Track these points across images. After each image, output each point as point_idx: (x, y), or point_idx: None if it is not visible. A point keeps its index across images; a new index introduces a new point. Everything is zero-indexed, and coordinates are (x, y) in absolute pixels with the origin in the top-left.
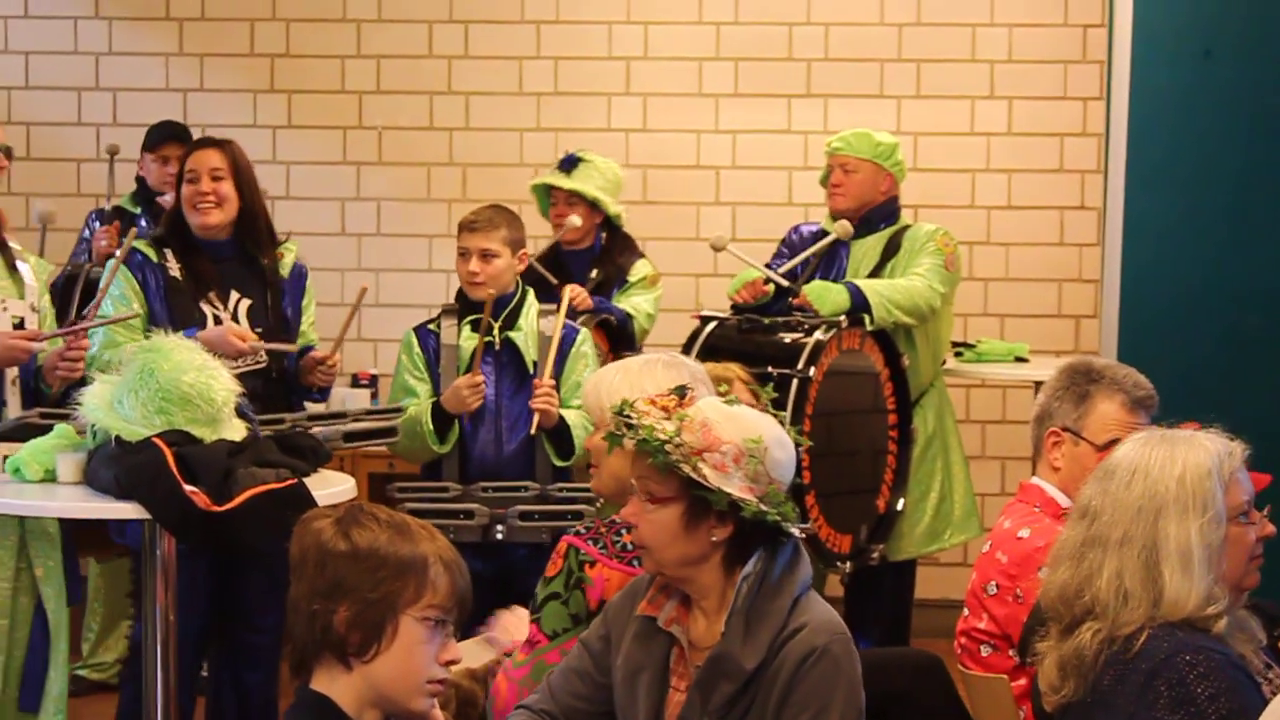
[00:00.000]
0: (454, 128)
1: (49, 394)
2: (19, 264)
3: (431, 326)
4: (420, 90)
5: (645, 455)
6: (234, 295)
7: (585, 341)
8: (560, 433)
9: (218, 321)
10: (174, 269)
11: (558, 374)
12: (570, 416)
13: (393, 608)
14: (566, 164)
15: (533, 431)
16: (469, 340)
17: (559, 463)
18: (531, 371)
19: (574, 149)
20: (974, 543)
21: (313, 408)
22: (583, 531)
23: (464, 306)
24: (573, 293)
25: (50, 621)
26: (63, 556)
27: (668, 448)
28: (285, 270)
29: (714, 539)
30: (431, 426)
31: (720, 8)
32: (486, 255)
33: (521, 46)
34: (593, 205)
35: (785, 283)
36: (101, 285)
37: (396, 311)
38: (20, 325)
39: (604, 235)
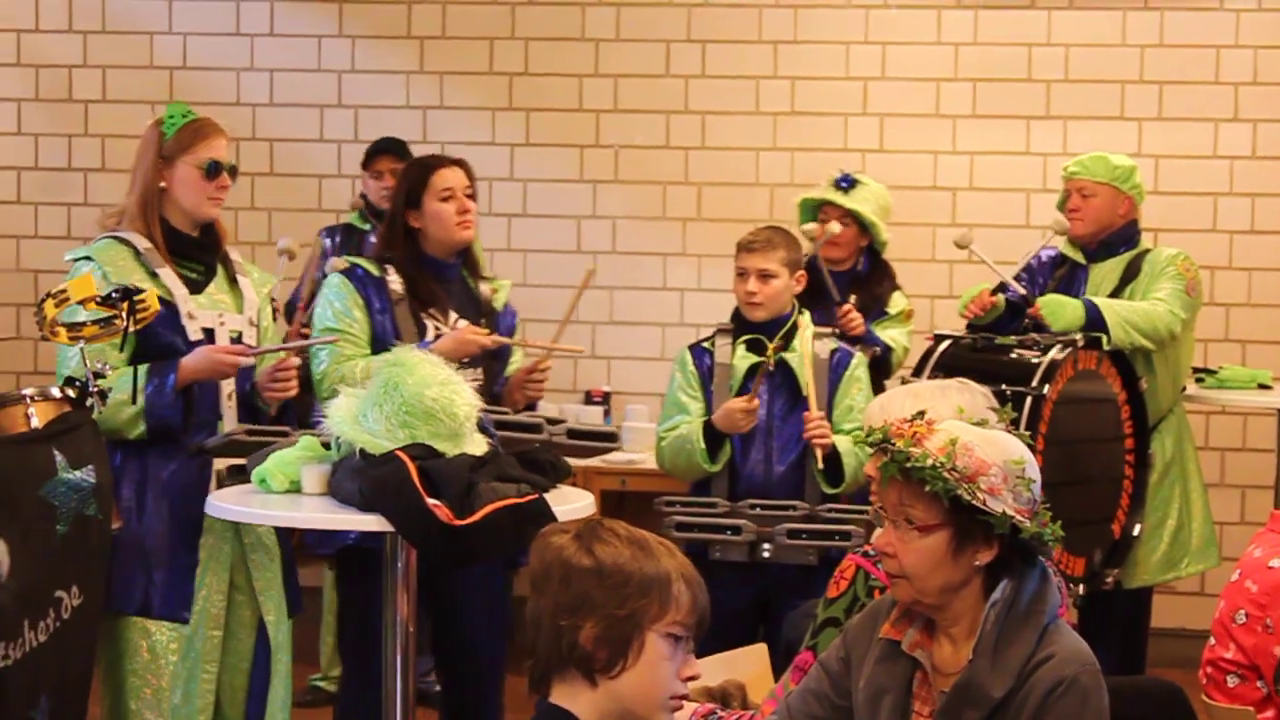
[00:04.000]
0: (690, 147)
1: (265, 411)
2: (239, 278)
3: (706, 345)
4: (657, 109)
5: (917, 483)
6: (453, 315)
7: (859, 365)
8: (831, 460)
9: (439, 335)
10: (395, 284)
11: (829, 398)
12: (841, 444)
13: (639, 624)
14: (845, 183)
15: (819, 466)
16: (743, 360)
17: (828, 490)
18: (805, 393)
19: (847, 169)
20: (1212, 572)
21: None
22: (871, 554)
23: (738, 326)
24: (849, 316)
25: (270, 633)
26: (282, 568)
27: (944, 474)
28: (499, 304)
29: (976, 564)
30: (703, 445)
31: (959, 28)
32: (764, 276)
33: (759, 66)
34: (862, 228)
35: (1020, 289)
36: (311, 306)
37: (630, 329)
38: (238, 340)
39: (864, 261)
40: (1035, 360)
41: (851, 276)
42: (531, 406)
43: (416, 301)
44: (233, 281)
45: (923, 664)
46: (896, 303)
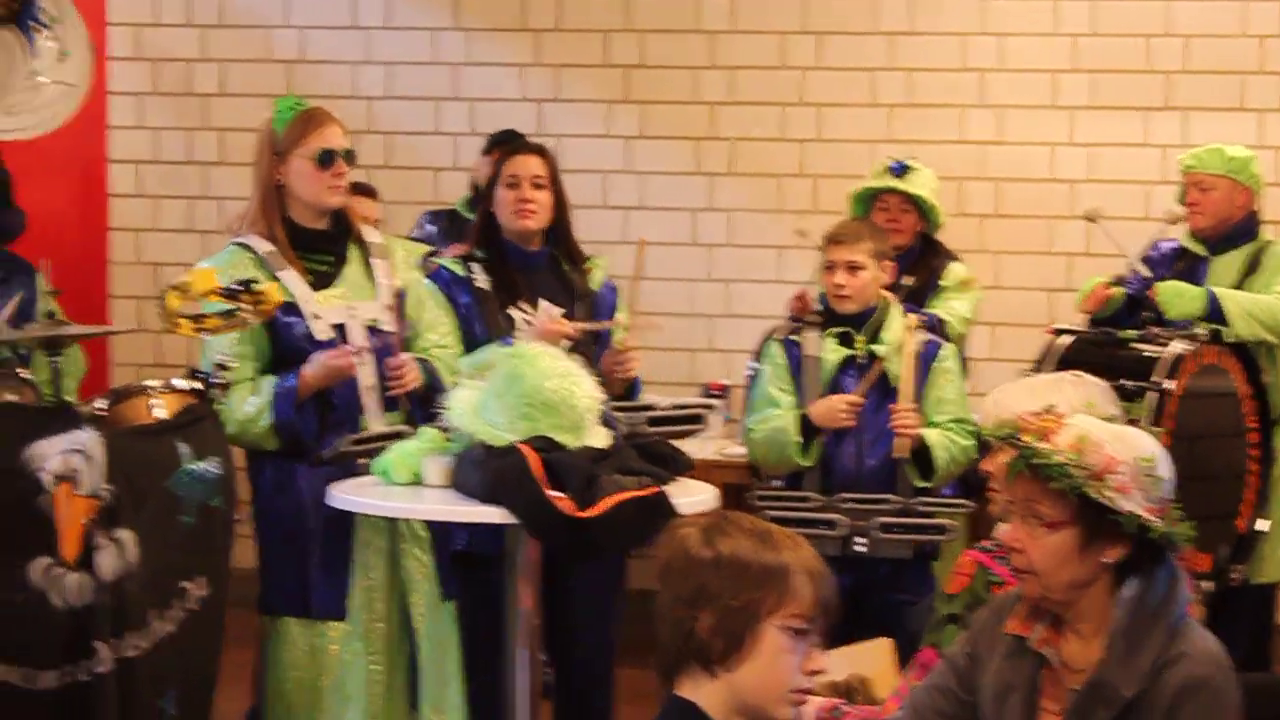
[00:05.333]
0: (806, 139)
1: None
2: (375, 261)
3: (794, 337)
4: (773, 101)
5: (1044, 479)
6: (543, 304)
7: (949, 356)
8: (922, 452)
9: (527, 324)
10: (480, 281)
11: (919, 389)
12: (931, 436)
13: (755, 616)
14: (899, 169)
15: (894, 455)
16: (833, 353)
17: (920, 483)
18: (895, 385)
19: (902, 158)
20: None
21: None
22: (991, 548)
23: (828, 319)
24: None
25: (417, 624)
26: (434, 556)
27: (1072, 471)
28: (595, 284)
29: (1104, 561)
30: (798, 439)
31: (1076, 18)
32: (852, 268)
33: (875, 58)
34: (918, 212)
35: (1145, 270)
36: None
37: (746, 322)
38: (374, 327)
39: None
40: (1158, 354)
41: (908, 259)
42: (633, 388)
43: (503, 294)
44: (368, 266)
45: (1050, 660)
46: (953, 273)
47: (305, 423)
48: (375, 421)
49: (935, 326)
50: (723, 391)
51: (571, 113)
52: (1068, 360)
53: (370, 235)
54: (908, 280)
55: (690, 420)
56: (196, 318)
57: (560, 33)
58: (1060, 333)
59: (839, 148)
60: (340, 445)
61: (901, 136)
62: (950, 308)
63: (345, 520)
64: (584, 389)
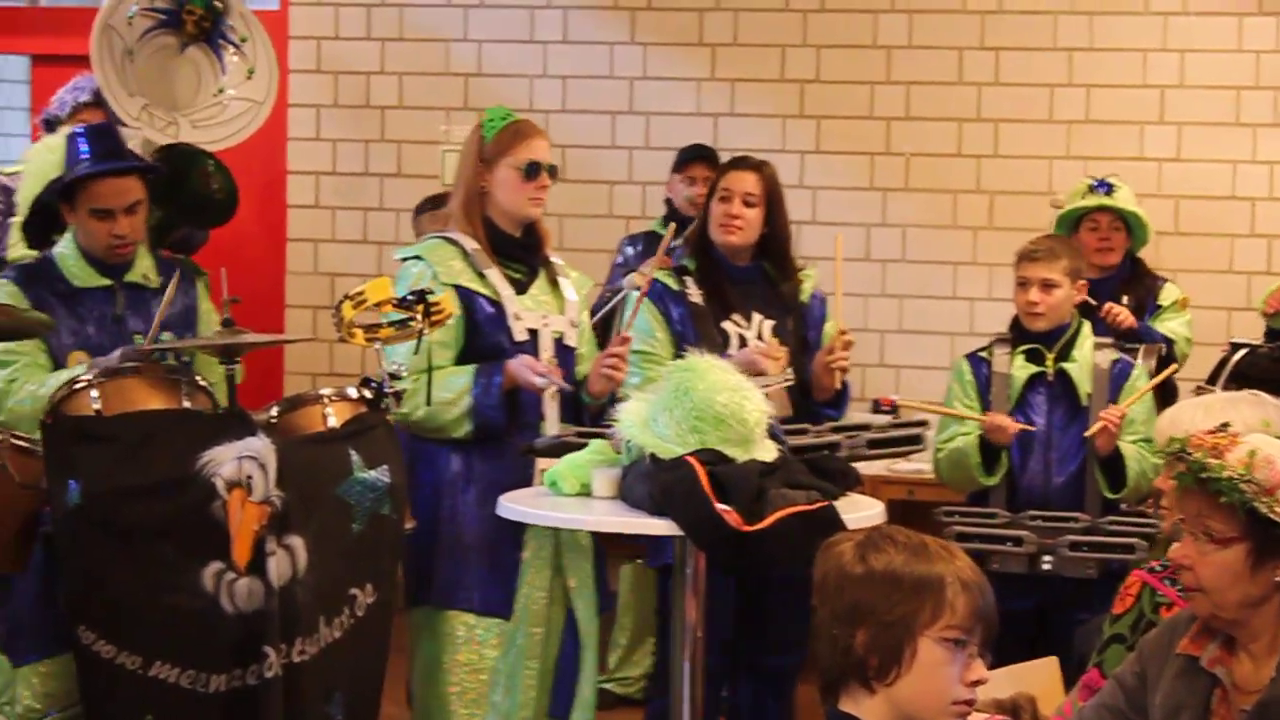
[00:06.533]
0: (982, 155)
1: (589, 404)
2: (560, 279)
3: (983, 354)
4: (949, 117)
5: (1213, 494)
6: (756, 316)
7: (1140, 376)
8: (1113, 463)
9: (742, 341)
10: (694, 295)
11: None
12: (1125, 448)
13: (910, 630)
14: (1107, 187)
15: (1102, 453)
16: (1022, 370)
17: (1109, 495)
18: (1084, 404)
19: (1102, 175)
20: None
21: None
22: (1158, 569)
23: (1018, 335)
24: (1115, 311)
25: (581, 630)
26: (594, 568)
27: (1241, 486)
28: (805, 296)
29: (1277, 580)
30: (979, 458)
31: (1260, 35)
32: (1047, 285)
33: (1053, 74)
34: (1126, 230)
35: None
36: (629, 313)
37: (919, 338)
38: (560, 340)
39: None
40: None
41: (1118, 277)
42: (842, 396)
43: (717, 307)
44: (554, 283)
45: (1222, 680)
46: (1169, 293)
47: (500, 415)
48: (552, 429)
49: (1168, 349)
50: (891, 407)
51: (746, 127)
52: (1242, 375)
53: (554, 256)
54: (1125, 300)
55: (909, 441)
56: (370, 327)
57: (737, 47)
58: (1236, 347)
59: (1016, 164)
60: (563, 435)
61: (1079, 153)
62: (1172, 328)
63: (518, 522)
64: (754, 403)
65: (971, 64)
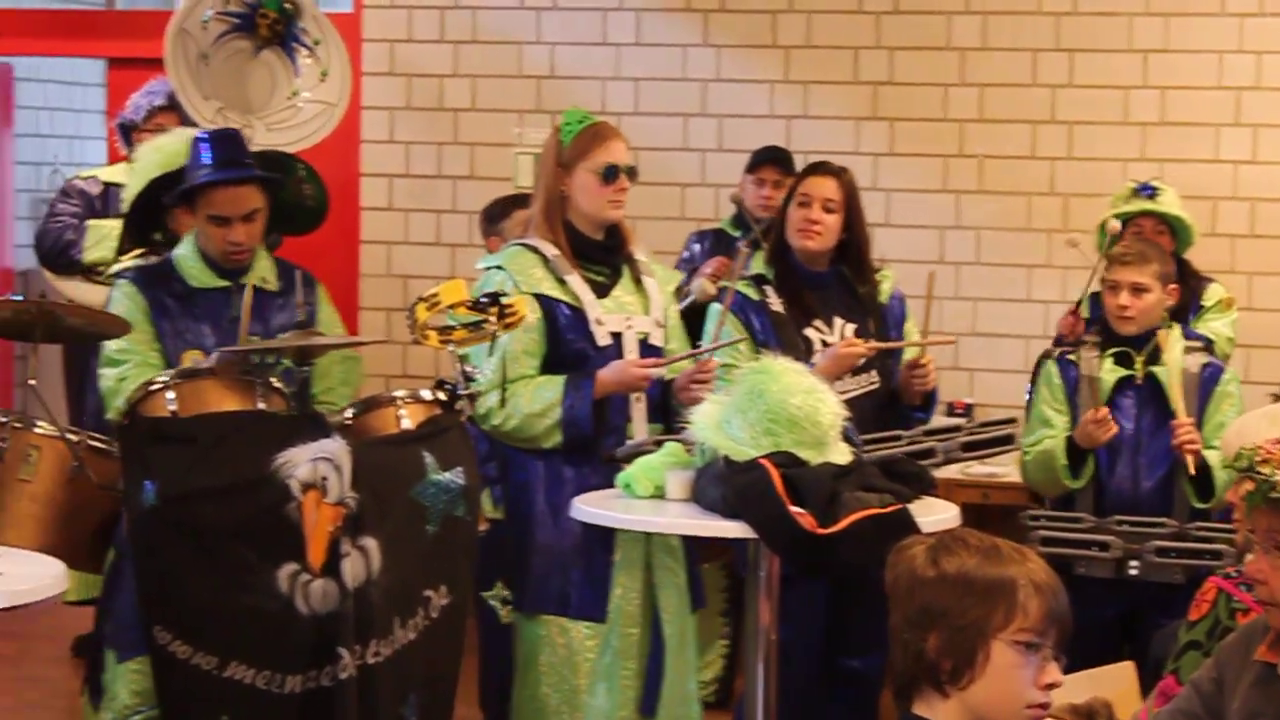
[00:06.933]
0: (1056, 157)
1: (679, 410)
2: (644, 279)
3: (1071, 357)
4: (1023, 119)
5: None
6: (838, 321)
7: (1231, 381)
8: (1202, 473)
9: (824, 345)
10: (774, 304)
11: (1199, 413)
12: (1213, 457)
13: (982, 633)
14: (1150, 191)
15: (1191, 471)
16: (1110, 373)
17: (1198, 504)
18: (1174, 407)
19: (1146, 179)
20: None
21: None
22: (1234, 575)
23: (1106, 338)
24: None
25: (666, 632)
26: (684, 568)
27: None
28: (884, 297)
29: None
30: (1065, 461)
31: None
32: (1137, 289)
33: (1127, 76)
34: (1170, 233)
35: None
36: (713, 326)
37: (993, 341)
38: (645, 341)
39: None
40: None
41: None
42: (930, 400)
43: (798, 314)
44: (638, 282)
45: None
46: (1213, 293)
47: (590, 423)
48: (640, 432)
49: (1206, 347)
50: (966, 410)
51: (819, 129)
52: None
53: (639, 254)
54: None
55: (1002, 441)
56: (444, 329)
57: (810, 49)
58: None
59: (1090, 166)
60: (642, 442)
61: (1154, 155)
62: (1214, 328)
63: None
64: (828, 405)
65: (1046, 66)
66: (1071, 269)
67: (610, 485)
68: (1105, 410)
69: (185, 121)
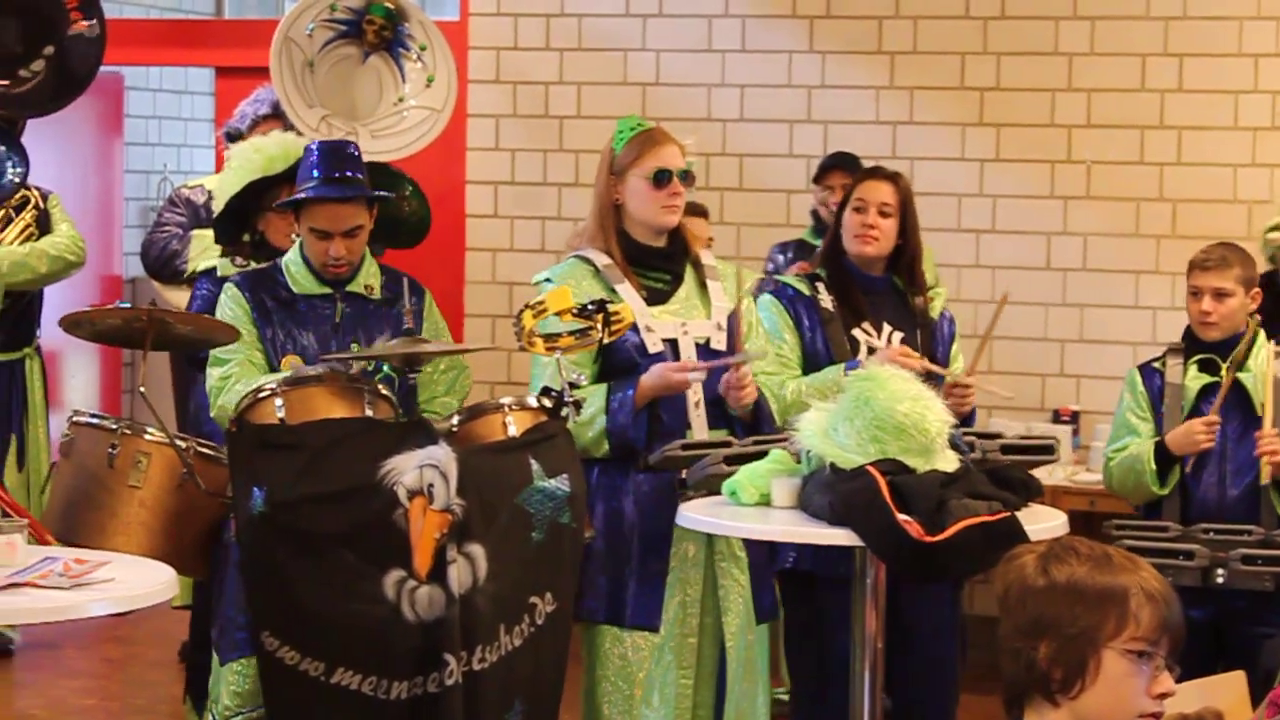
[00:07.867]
0: (1165, 163)
1: (734, 414)
2: (710, 283)
3: (1156, 365)
4: (1131, 124)
5: None
6: (886, 327)
7: None
8: None
9: (871, 350)
10: (826, 301)
11: None
12: None
13: (1093, 642)
14: None
15: (1264, 481)
16: (1195, 380)
17: None
18: (1259, 414)
19: None
20: None
21: None
22: None
23: (1190, 345)
24: None
25: (729, 641)
26: (751, 576)
27: None
28: (935, 314)
29: None
30: (1154, 467)
31: None
32: (1219, 294)
33: (1238, 80)
34: None
35: None
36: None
37: (1100, 348)
38: (705, 345)
39: None
40: None
41: None
42: (970, 416)
43: (847, 315)
44: (702, 285)
45: None
46: None
47: (637, 431)
48: (700, 436)
49: None
50: (1072, 417)
51: (925, 135)
52: None
53: (706, 258)
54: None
55: (1042, 450)
56: (550, 336)
57: (916, 55)
58: None
59: (1200, 171)
60: (667, 450)
61: (1265, 160)
62: None
63: (664, 532)
64: (935, 412)
65: (1154, 70)
66: (1181, 275)
67: (671, 490)
68: (1217, 417)
69: (289, 129)
